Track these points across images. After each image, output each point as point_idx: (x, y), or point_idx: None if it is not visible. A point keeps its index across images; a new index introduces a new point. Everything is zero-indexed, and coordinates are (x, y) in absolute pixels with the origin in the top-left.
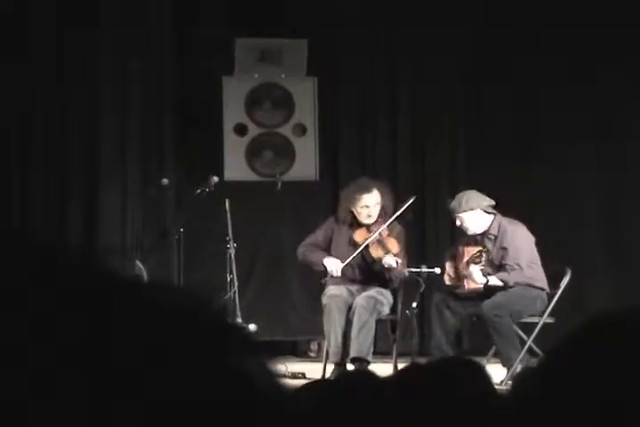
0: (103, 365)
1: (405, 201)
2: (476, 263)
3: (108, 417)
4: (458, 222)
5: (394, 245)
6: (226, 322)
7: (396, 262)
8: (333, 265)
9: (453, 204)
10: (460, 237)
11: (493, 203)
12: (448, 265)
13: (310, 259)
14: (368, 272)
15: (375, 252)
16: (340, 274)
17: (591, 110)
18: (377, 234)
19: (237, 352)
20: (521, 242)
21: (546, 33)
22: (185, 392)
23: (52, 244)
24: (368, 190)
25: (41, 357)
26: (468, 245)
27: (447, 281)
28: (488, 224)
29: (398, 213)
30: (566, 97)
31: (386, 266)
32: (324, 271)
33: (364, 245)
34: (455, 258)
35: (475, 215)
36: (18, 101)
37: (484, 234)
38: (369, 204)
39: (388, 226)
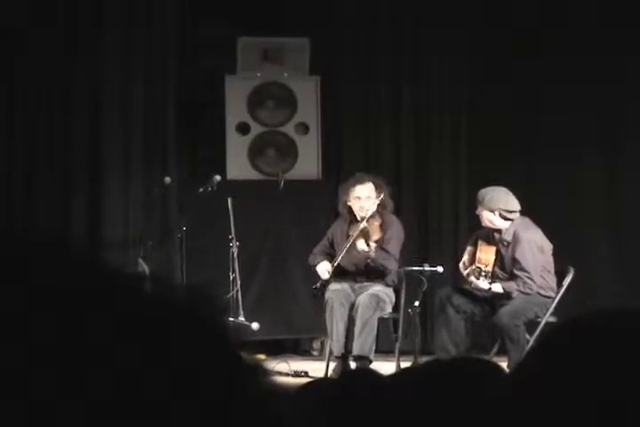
0: (102, 363)
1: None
2: (476, 278)
3: (106, 416)
4: (477, 211)
5: (375, 232)
6: (225, 321)
7: (368, 246)
8: (322, 269)
9: (479, 195)
10: (479, 226)
11: (517, 208)
12: (467, 252)
13: (312, 266)
14: (362, 265)
15: (359, 242)
16: (327, 276)
17: (591, 110)
18: (364, 224)
19: (237, 352)
20: (532, 252)
21: (546, 34)
22: (184, 391)
23: (56, 242)
24: (361, 182)
25: (38, 355)
26: (486, 239)
27: (461, 268)
28: (503, 228)
29: (374, 209)
30: (566, 97)
31: (359, 250)
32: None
33: (353, 238)
34: (475, 246)
35: (489, 215)
36: (21, 99)
37: (500, 237)
38: (360, 195)
39: (380, 217)
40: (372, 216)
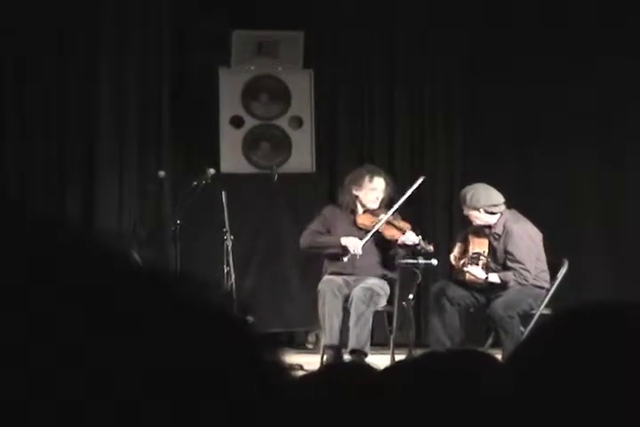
0: (105, 358)
1: (415, 182)
2: (473, 264)
3: (110, 414)
4: (464, 212)
5: (407, 225)
6: (235, 314)
7: (418, 238)
8: (353, 243)
9: (461, 196)
10: (469, 224)
11: (500, 201)
12: (457, 247)
13: (323, 242)
14: (373, 257)
15: (389, 232)
16: (360, 252)
17: (591, 110)
18: (389, 215)
19: (258, 348)
20: (525, 243)
21: (546, 33)
22: (194, 389)
23: (57, 226)
24: (379, 174)
25: (42, 353)
26: (476, 233)
27: (452, 260)
28: (492, 222)
29: (408, 194)
30: (566, 97)
31: (409, 243)
32: (344, 251)
33: (383, 221)
34: (466, 241)
35: (475, 214)
36: (15, 95)
37: (490, 231)
38: (377, 187)
39: (395, 211)
40: (377, 210)
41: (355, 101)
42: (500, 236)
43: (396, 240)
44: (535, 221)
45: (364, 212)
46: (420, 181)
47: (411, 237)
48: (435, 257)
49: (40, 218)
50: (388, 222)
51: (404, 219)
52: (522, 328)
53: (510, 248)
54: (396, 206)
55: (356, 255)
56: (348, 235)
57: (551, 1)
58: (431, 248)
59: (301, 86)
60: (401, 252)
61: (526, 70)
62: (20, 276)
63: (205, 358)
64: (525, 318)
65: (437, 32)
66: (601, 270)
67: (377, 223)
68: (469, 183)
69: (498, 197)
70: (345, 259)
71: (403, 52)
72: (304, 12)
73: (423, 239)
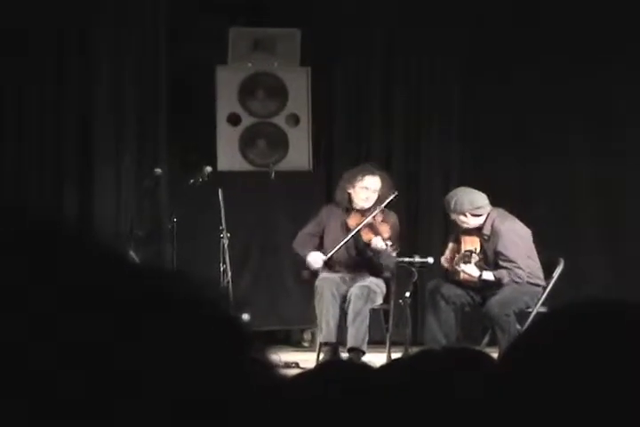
0: (105, 360)
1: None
2: (466, 262)
3: (109, 415)
4: (451, 218)
5: (385, 229)
6: (229, 312)
7: (385, 245)
8: (314, 259)
9: (445, 203)
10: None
11: (484, 202)
12: (449, 248)
13: (300, 255)
14: (360, 258)
15: (366, 235)
16: (320, 266)
17: (591, 110)
18: (370, 218)
19: (246, 344)
20: (514, 242)
21: (545, 33)
22: (190, 388)
23: (56, 224)
24: (372, 173)
25: (42, 353)
26: (467, 232)
27: (444, 263)
28: (480, 223)
29: (381, 208)
30: (566, 97)
31: (373, 247)
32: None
33: (357, 229)
34: (457, 241)
35: (462, 218)
36: (15, 96)
37: (479, 232)
38: (369, 186)
39: (381, 212)
40: (369, 210)
41: (352, 100)
42: (489, 237)
43: (370, 242)
44: (535, 220)
45: (356, 211)
46: (391, 197)
47: (375, 243)
48: (429, 256)
49: (39, 218)
50: (371, 224)
51: (392, 224)
52: (518, 326)
53: (500, 248)
54: (377, 210)
55: (316, 271)
56: (337, 235)
57: (551, 1)
58: (394, 256)
59: (298, 84)
60: (372, 256)
61: (526, 70)
62: (20, 276)
63: (205, 358)
64: (522, 316)
65: (437, 32)
66: (600, 270)
67: (360, 224)
68: (468, 183)
69: (481, 199)
70: (304, 274)
71: (401, 49)
72: (302, 10)
73: (392, 246)
